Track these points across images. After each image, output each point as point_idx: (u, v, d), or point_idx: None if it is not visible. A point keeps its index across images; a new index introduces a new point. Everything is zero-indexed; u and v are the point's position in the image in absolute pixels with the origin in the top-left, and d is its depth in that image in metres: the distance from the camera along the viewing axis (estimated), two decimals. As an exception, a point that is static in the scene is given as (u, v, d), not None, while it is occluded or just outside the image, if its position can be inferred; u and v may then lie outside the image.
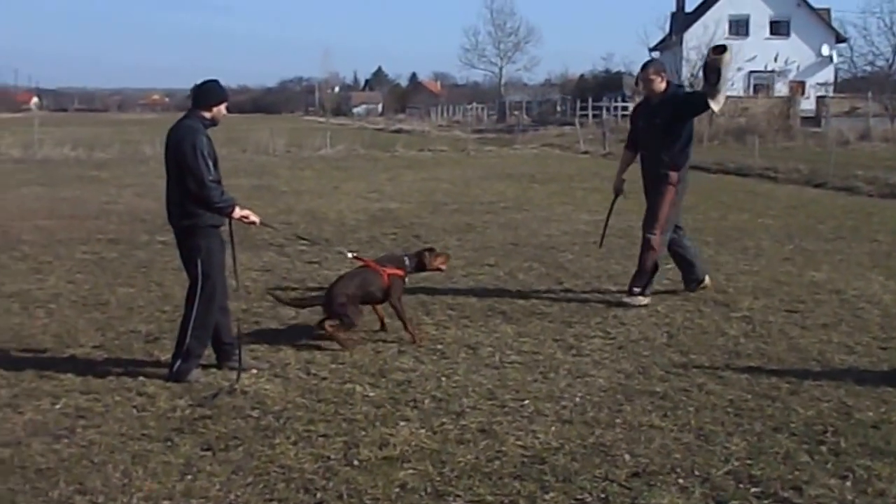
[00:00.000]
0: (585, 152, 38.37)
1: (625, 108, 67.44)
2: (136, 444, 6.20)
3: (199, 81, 7.72)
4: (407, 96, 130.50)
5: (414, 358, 8.19)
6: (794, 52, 65.60)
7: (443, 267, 9.33)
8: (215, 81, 7.70)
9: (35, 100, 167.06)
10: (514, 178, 26.17)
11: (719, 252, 13.63)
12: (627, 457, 5.97)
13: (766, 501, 5.37)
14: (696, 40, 54.91)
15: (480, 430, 6.45)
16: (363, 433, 6.38)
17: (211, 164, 7.31)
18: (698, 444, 6.20)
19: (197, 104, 7.59)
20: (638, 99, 57.95)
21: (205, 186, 7.25)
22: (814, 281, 11.53)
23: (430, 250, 9.23)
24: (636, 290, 10.17)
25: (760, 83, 64.54)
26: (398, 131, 61.18)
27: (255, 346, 8.46)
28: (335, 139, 40.90)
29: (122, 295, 10.73)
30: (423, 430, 6.42)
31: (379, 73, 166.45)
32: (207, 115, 7.55)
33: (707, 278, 10.77)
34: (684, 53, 56.28)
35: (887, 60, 61.32)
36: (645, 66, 10.26)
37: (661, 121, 10.08)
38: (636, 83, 10.88)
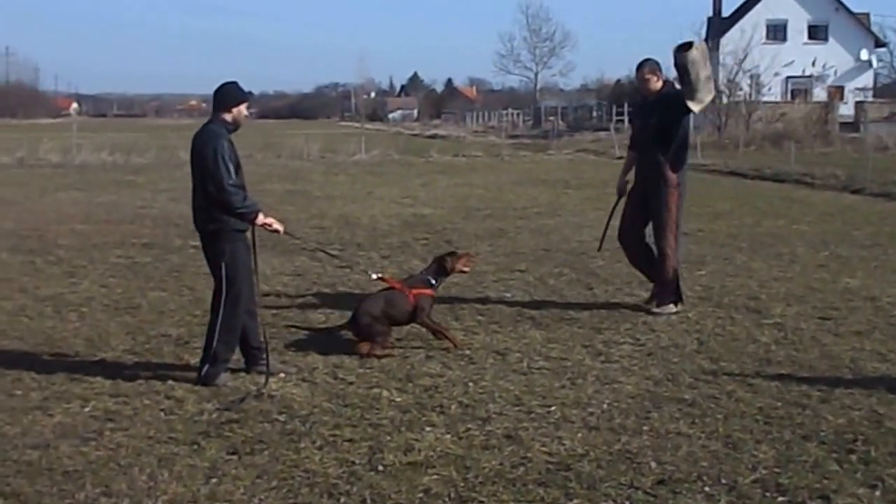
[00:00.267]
0: (620, 157, 38.06)
1: (661, 114, 67.22)
2: (163, 447, 6.22)
3: (218, 85, 7.71)
4: (442, 102, 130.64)
5: (442, 363, 8.18)
6: (832, 57, 65.08)
7: (466, 269, 9.23)
8: (234, 83, 7.71)
9: (75, 105, 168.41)
10: (548, 184, 26.12)
11: (753, 258, 13.53)
12: (653, 464, 5.93)
13: (792, 510, 5.33)
14: (733, 45, 54.52)
15: (506, 435, 6.43)
16: (388, 438, 6.37)
17: (232, 168, 7.33)
18: (726, 451, 6.15)
19: (217, 107, 7.61)
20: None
21: (224, 191, 7.28)
22: (848, 288, 11.43)
23: (452, 254, 9.19)
24: (666, 302, 10.09)
25: (798, 88, 64.11)
26: (433, 137, 61.29)
27: (283, 351, 8.50)
28: (370, 144, 41.01)
29: (153, 299, 10.80)
30: (448, 436, 6.41)
31: (415, 78, 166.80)
32: (228, 117, 7.57)
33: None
34: (720, 59, 55.87)
35: (927, 66, 60.84)
36: (640, 66, 10.04)
37: (655, 121, 9.93)
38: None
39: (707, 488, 5.57)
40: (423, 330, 8.85)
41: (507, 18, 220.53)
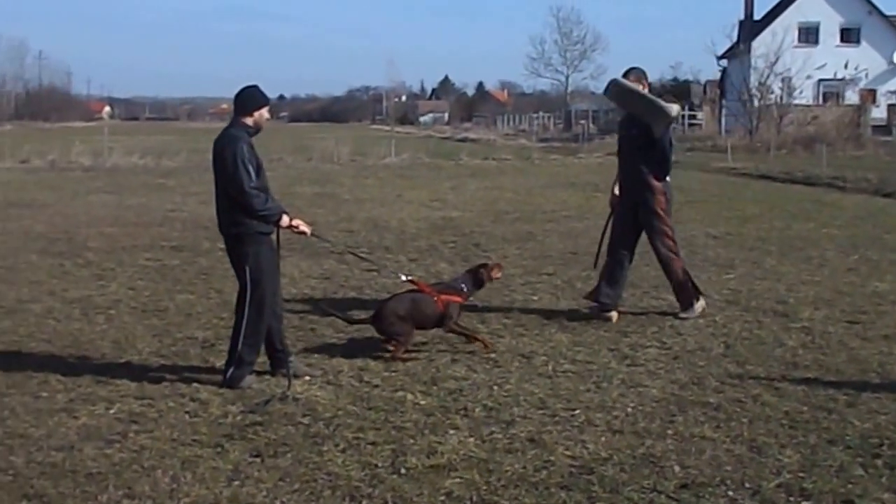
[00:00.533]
0: (650, 161, 37.99)
1: (692, 117, 67.01)
2: (187, 449, 6.24)
3: (239, 88, 7.73)
4: (473, 105, 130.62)
5: (467, 366, 8.18)
6: (864, 60, 64.46)
7: (498, 276, 9.28)
8: (255, 87, 7.73)
9: (107, 109, 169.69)
10: (578, 187, 26.06)
11: (781, 262, 13.45)
12: (677, 468, 5.90)
13: (816, 515, 5.29)
14: (765, 48, 54.14)
15: (529, 439, 6.41)
16: (412, 441, 6.37)
17: (252, 171, 7.35)
18: (750, 455, 6.11)
19: (238, 111, 7.63)
20: (707, 108, 57.18)
21: (245, 193, 7.30)
22: (877, 291, 11.34)
23: (484, 266, 9.19)
24: (689, 303, 10.04)
25: (830, 91, 63.60)
26: (464, 140, 61.24)
27: (308, 354, 8.51)
28: (400, 148, 41.05)
29: (181, 301, 10.84)
30: (471, 439, 6.40)
31: (446, 81, 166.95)
32: (249, 121, 7.59)
33: (615, 314, 10.04)
34: (752, 62, 55.57)
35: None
36: (626, 74, 9.96)
37: (637, 131, 9.85)
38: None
39: (730, 492, 5.54)
40: (450, 333, 8.87)
41: (538, 21, 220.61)
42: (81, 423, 6.74)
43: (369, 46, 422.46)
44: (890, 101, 61.92)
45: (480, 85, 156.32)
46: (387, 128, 68.09)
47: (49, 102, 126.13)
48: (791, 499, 5.47)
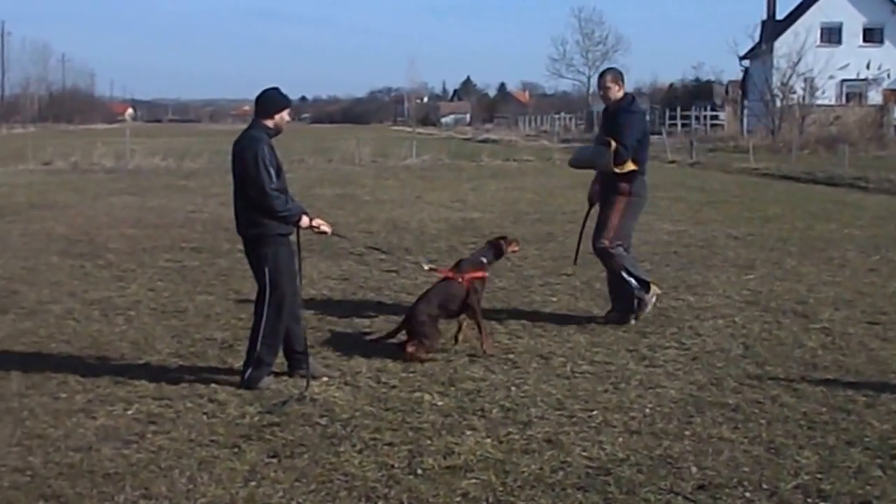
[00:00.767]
0: (672, 162, 37.97)
1: (714, 118, 66.81)
2: (204, 450, 6.26)
3: (260, 91, 7.74)
4: (495, 106, 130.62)
5: (485, 367, 8.17)
6: (887, 60, 64.05)
7: (516, 249, 9.41)
8: (276, 89, 7.74)
9: (130, 111, 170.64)
10: (598, 188, 25.96)
11: (802, 263, 13.38)
12: (694, 469, 5.88)
13: (834, 517, 5.26)
14: (787, 48, 53.94)
15: (546, 440, 6.40)
16: (428, 442, 6.36)
17: (273, 172, 7.36)
18: (768, 457, 6.08)
19: (259, 114, 7.64)
20: (729, 108, 57.06)
21: (266, 195, 7.32)
22: (899, 292, 11.28)
23: (504, 238, 9.32)
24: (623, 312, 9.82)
25: (853, 91, 63.25)
26: (485, 141, 61.21)
27: (326, 354, 8.53)
28: (421, 149, 41.08)
29: (200, 302, 10.87)
30: (488, 440, 6.39)
31: (467, 83, 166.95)
32: (270, 123, 7.60)
33: (655, 288, 9.99)
34: (774, 62, 55.39)
35: None
36: (603, 74, 9.97)
37: (605, 132, 9.84)
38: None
39: (748, 493, 5.52)
40: (468, 333, 8.89)
41: (559, 22, 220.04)
42: (100, 424, 6.77)
43: (391, 48, 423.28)
44: (913, 101, 61.50)
45: (502, 86, 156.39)
46: (408, 129, 68.19)
47: (72, 104, 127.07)
48: (809, 500, 5.44)
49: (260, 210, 7.40)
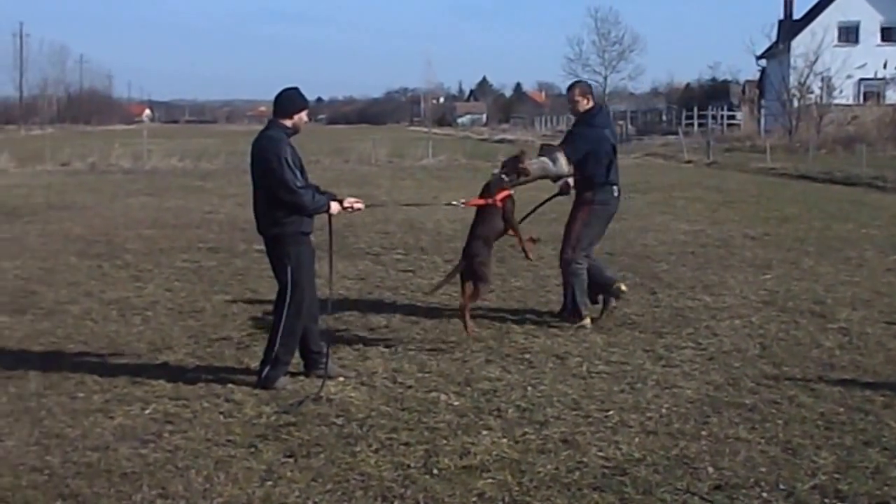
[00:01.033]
0: (689, 162, 37.91)
1: (731, 117, 66.61)
2: (221, 449, 6.27)
3: (279, 91, 7.75)
4: (511, 106, 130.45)
5: (501, 367, 8.17)
6: (905, 59, 63.82)
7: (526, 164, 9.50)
8: (295, 89, 7.75)
9: (147, 112, 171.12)
10: (615, 188, 25.91)
11: (820, 262, 13.34)
12: (711, 469, 5.86)
13: (852, 517, 5.24)
14: (804, 47, 53.76)
15: (563, 440, 6.40)
16: (444, 442, 6.37)
17: (297, 171, 7.39)
18: (785, 457, 6.07)
19: (277, 113, 7.65)
20: (745, 108, 56.92)
21: (295, 193, 7.34)
22: (917, 292, 11.23)
23: (517, 156, 9.58)
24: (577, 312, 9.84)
25: (870, 91, 62.91)
26: (501, 141, 61.16)
27: (343, 355, 8.53)
28: (437, 149, 41.10)
29: (217, 302, 10.90)
30: (504, 440, 6.39)
31: (483, 83, 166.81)
32: (288, 123, 7.61)
33: (622, 285, 10.10)
34: (791, 61, 55.17)
35: None
36: (571, 87, 10.15)
37: (567, 134, 10.11)
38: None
39: (764, 494, 5.50)
40: (484, 333, 8.97)
41: (575, 22, 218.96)
42: (117, 424, 6.79)
43: (407, 48, 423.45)
44: (931, 101, 61.15)
45: (518, 86, 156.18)
46: (424, 129, 68.03)
47: (90, 106, 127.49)
48: (826, 500, 5.43)
49: (290, 209, 7.41)
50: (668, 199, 22.87)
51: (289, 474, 5.83)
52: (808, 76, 52.08)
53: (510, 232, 9.22)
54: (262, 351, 7.89)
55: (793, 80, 52.67)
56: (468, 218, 18.74)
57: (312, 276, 7.75)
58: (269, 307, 8.29)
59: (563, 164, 9.69)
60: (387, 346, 8.87)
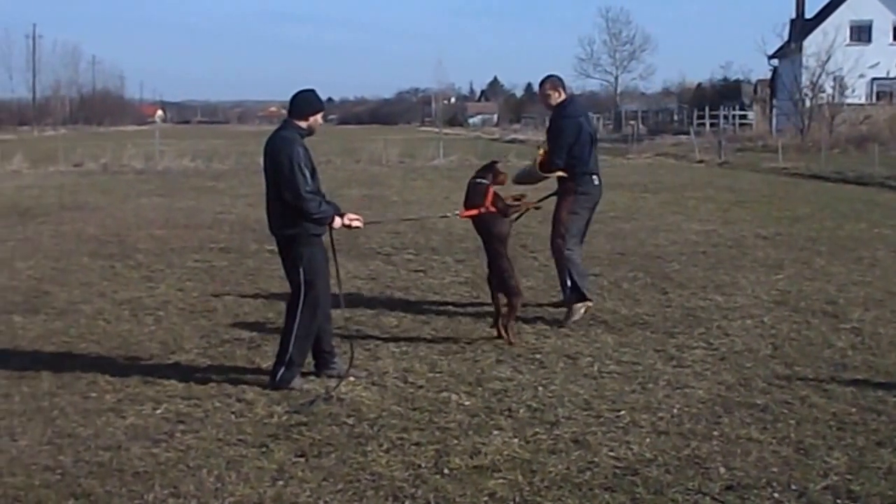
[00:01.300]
0: (700, 161, 37.85)
1: (743, 117, 66.47)
2: (232, 449, 6.28)
3: (295, 91, 7.76)
4: (522, 106, 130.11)
5: (512, 367, 8.17)
6: (919, 58, 63.60)
7: (503, 174, 9.44)
8: (312, 91, 7.76)
9: (160, 112, 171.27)
10: (626, 188, 25.90)
11: (832, 262, 13.30)
12: (722, 469, 5.85)
13: (864, 518, 5.23)
14: (816, 47, 53.62)
15: (574, 440, 6.39)
16: (455, 442, 6.37)
17: (308, 174, 7.38)
18: (797, 457, 6.06)
19: (293, 114, 7.65)
20: (757, 108, 56.80)
21: (301, 198, 7.33)
22: (929, 292, 11.19)
23: (496, 162, 9.53)
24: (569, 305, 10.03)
25: (883, 90, 62.69)
26: (512, 141, 61.14)
27: (354, 355, 8.51)
28: (448, 149, 41.10)
29: (228, 302, 10.92)
30: (515, 440, 6.39)
31: (494, 83, 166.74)
32: (304, 124, 7.62)
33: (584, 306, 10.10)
34: (804, 61, 55.02)
35: None
36: (543, 82, 10.41)
37: (547, 136, 10.43)
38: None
39: (776, 494, 5.49)
40: (494, 333, 8.97)
41: (586, 22, 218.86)
42: (129, 423, 6.81)
43: (418, 49, 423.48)
44: (945, 100, 60.91)
45: (529, 86, 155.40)
46: (435, 130, 68.05)
47: (102, 107, 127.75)
48: (838, 501, 5.42)
49: (295, 212, 7.41)
50: (679, 199, 22.84)
51: (300, 474, 5.84)
52: (820, 75, 51.95)
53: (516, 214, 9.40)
54: (273, 351, 7.91)
55: (805, 79, 52.54)
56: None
57: (325, 276, 7.76)
58: (281, 307, 8.30)
59: (537, 169, 10.07)
60: (398, 346, 8.88)
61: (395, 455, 6.14)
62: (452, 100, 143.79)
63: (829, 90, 52.23)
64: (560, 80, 10.45)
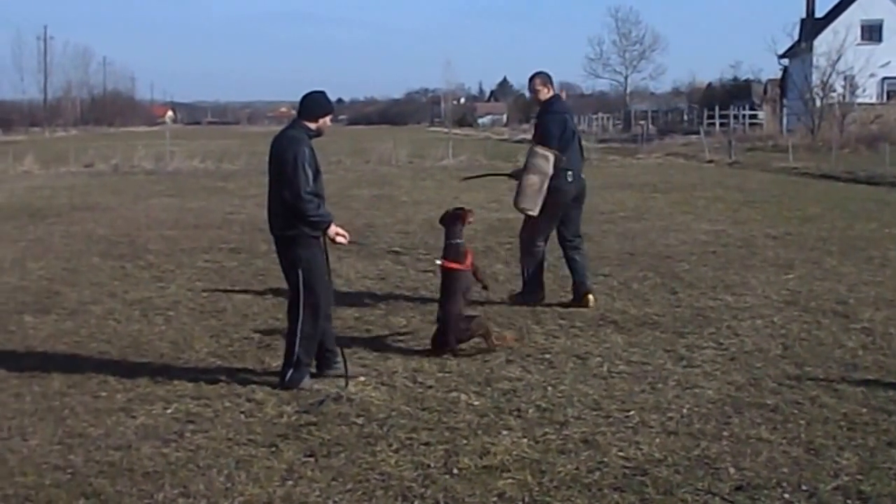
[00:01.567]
0: (710, 161, 37.78)
1: (753, 117, 66.35)
2: (242, 449, 6.29)
3: (306, 92, 7.77)
4: (531, 107, 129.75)
5: (521, 367, 8.16)
6: (929, 58, 63.41)
7: (471, 221, 9.48)
8: (322, 93, 7.77)
9: (170, 113, 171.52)
10: (635, 188, 25.91)
11: (842, 262, 13.26)
12: (732, 470, 5.84)
13: (874, 518, 5.22)
14: (827, 46, 53.48)
15: (583, 440, 6.39)
16: (465, 442, 6.37)
17: (311, 175, 7.38)
18: (807, 458, 6.04)
19: (303, 115, 7.66)
20: (767, 107, 56.73)
21: (300, 198, 7.33)
22: (940, 292, 11.15)
23: (460, 208, 9.51)
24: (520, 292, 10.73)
25: (894, 89, 62.58)
26: (521, 141, 61.03)
27: (363, 354, 8.54)
28: (457, 149, 41.10)
29: (238, 302, 10.94)
30: (524, 440, 6.39)
31: (504, 83, 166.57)
32: (312, 125, 7.62)
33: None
34: (814, 60, 54.89)
35: None
36: (532, 78, 10.71)
37: (534, 129, 10.91)
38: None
39: (786, 495, 5.48)
40: (505, 334, 9.00)
41: (596, 22, 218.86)
42: (139, 423, 6.83)
43: (427, 49, 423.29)
44: (955, 99, 60.77)
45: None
46: (445, 130, 68.11)
47: (113, 107, 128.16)
48: (848, 502, 5.40)
49: (291, 211, 7.41)
50: (689, 199, 22.80)
51: (309, 474, 5.85)
52: (830, 75, 51.81)
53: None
54: (283, 350, 7.90)
55: (815, 78, 52.41)
56: (488, 218, 18.91)
57: (325, 277, 7.76)
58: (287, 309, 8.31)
59: (550, 161, 10.23)
60: (407, 346, 8.88)
61: (405, 455, 6.14)
62: (462, 100, 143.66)
63: (840, 89, 52.12)
64: (549, 76, 10.74)
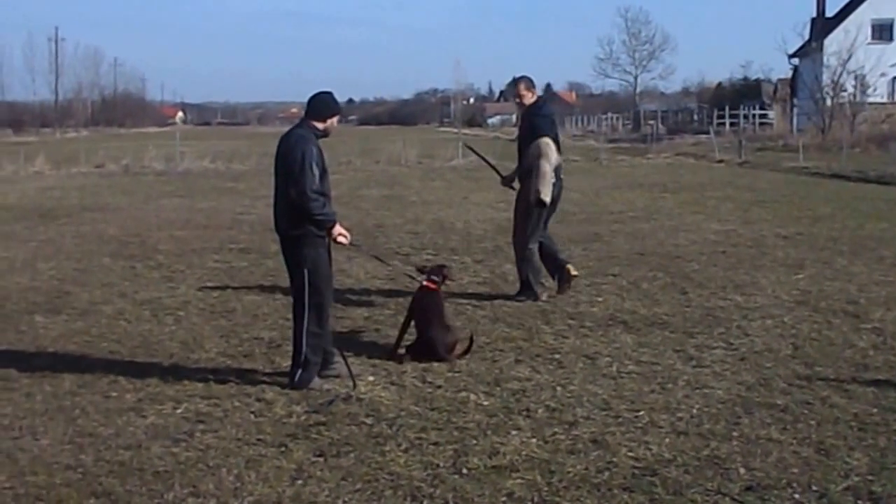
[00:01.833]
0: (720, 161, 37.73)
1: (763, 116, 66.23)
2: (251, 448, 6.30)
3: (314, 92, 7.78)
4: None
5: (530, 367, 8.16)
6: (940, 57, 63.20)
7: (452, 280, 9.47)
8: (330, 94, 7.78)
9: (180, 114, 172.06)
10: (645, 188, 25.89)
11: (853, 262, 13.22)
12: (742, 470, 5.83)
13: (884, 518, 5.20)
14: (837, 45, 53.38)
15: (592, 440, 6.38)
16: (474, 442, 6.37)
17: (317, 174, 7.38)
18: (817, 458, 6.03)
19: (310, 115, 7.66)
20: (778, 107, 56.74)
21: (305, 196, 7.33)
22: (951, 292, 11.12)
23: (443, 266, 9.38)
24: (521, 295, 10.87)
25: (905, 89, 62.52)
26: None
27: (372, 354, 8.54)
28: (467, 149, 41.01)
29: (248, 302, 10.95)
30: (534, 440, 6.38)
31: (513, 83, 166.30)
32: (320, 126, 7.63)
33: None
34: (824, 60, 54.77)
35: None
36: (517, 83, 11.05)
37: (520, 133, 11.15)
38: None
39: (797, 495, 5.47)
40: (514, 334, 9.08)
41: (605, 22, 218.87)
42: (149, 423, 6.84)
43: (437, 49, 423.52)
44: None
45: (548, 86, 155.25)
46: (454, 130, 68.22)
47: (124, 108, 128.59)
48: (859, 502, 5.39)
49: (296, 210, 7.41)
50: (699, 199, 22.76)
51: (319, 473, 5.85)
52: (841, 74, 51.73)
53: None
54: (291, 354, 7.90)
55: (826, 78, 52.35)
56: (497, 218, 18.95)
57: (329, 277, 7.76)
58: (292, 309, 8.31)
59: (553, 150, 10.62)
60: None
61: (414, 455, 6.15)
62: (471, 100, 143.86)
63: (851, 89, 52.03)
64: (532, 81, 11.02)
